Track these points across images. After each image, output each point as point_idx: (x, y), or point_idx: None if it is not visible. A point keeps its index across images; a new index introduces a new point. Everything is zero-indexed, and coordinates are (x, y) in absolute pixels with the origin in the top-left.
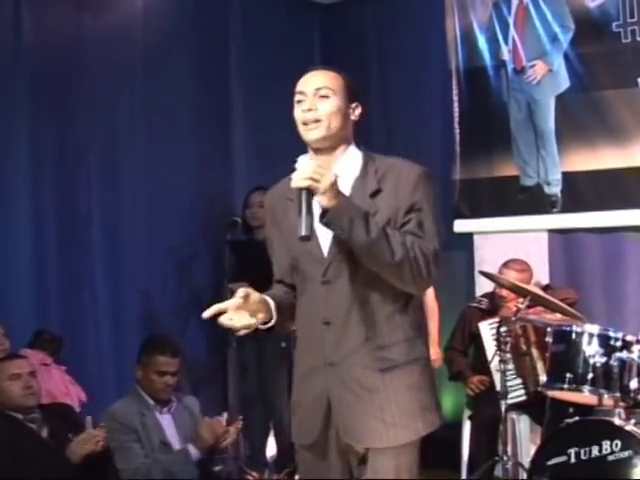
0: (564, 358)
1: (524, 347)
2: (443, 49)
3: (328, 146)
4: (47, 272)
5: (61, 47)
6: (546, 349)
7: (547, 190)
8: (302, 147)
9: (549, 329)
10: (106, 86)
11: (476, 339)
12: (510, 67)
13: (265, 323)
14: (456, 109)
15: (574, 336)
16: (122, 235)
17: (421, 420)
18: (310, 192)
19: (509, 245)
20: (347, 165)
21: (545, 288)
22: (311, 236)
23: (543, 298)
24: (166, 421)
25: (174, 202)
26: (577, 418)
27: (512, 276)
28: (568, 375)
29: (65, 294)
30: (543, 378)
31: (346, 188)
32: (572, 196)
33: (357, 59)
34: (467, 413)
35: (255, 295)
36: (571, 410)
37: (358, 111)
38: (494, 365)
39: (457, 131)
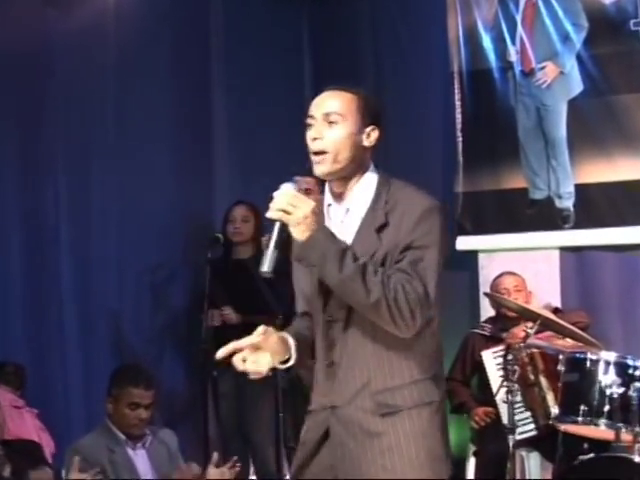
0: (578, 388)
1: (532, 377)
2: (444, 49)
3: (339, 177)
4: (9, 294)
5: (26, 46)
6: (557, 378)
7: (558, 204)
8: (290, 157)
9: (561, 356)
10: (75, 89)
11: (479, 368)
12: (518, 69)
13: (284, 362)
14: (458, 115)
15: (589, 364)
16: (92, 253)
17: (428, 469)
18: (284, 224)
19: (517, 264)
20: (359, 197)
21: (554, 312)
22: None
23: (554, 322)
24: (140, 457)
25: (149, 216)
26: (592, 455)
27: (509, 282)
28: (582, 407)
29: (28, 318)
30: (555, 410)
31: (357, 221)
32: (586, 210)
33: (350, 60)
34: (471, 449)
35: (274, 334)
36: (586, 446)
37: (375, 135)
38: (500, 397)
39: (459, 139)
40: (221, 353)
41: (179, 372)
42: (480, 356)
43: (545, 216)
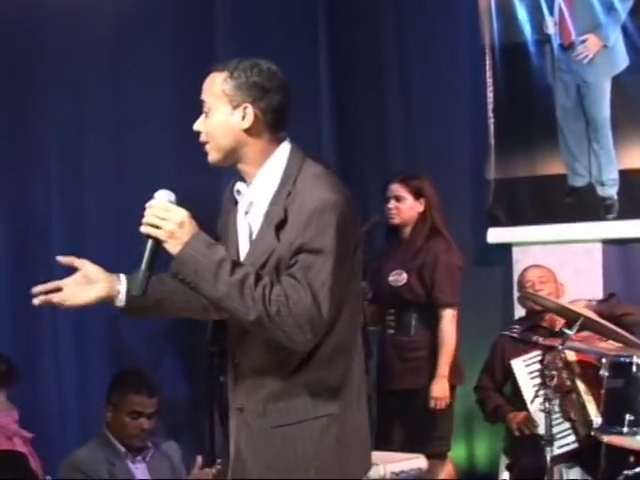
0: (623, 396)
1: (568, 382)
2: (474, 21)
3: (232, 165)
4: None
5: (15, 20)
6: (596, 384)
7: (601, 192)
8: (300, 139)
9: (604, 360)
10: (68, 68)
11: (511, 376)
12: (556, 43)
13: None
14: (490, 94)
15: (635, 369)
16: (87, 249)
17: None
18: (157, 240)
19: (555, 258)
20: (263, 187)
21: (609, 297)
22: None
23: (596, 322)
24: (140, 471)
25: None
26: (638, 469)
27: (532, 274)
28: (628, 417)
29: (18, 319)
30: (597, 420)
31: (259, 216)
32: (631, 199)
33: (370, 32)
34: (504, 461)
35: (93, 267)
36: (631, 459)
37: (250, 113)
38: (536, 406)
39: (491, 121)
40: (37, 300)
41: (182, 377)
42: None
43: (586, 205)
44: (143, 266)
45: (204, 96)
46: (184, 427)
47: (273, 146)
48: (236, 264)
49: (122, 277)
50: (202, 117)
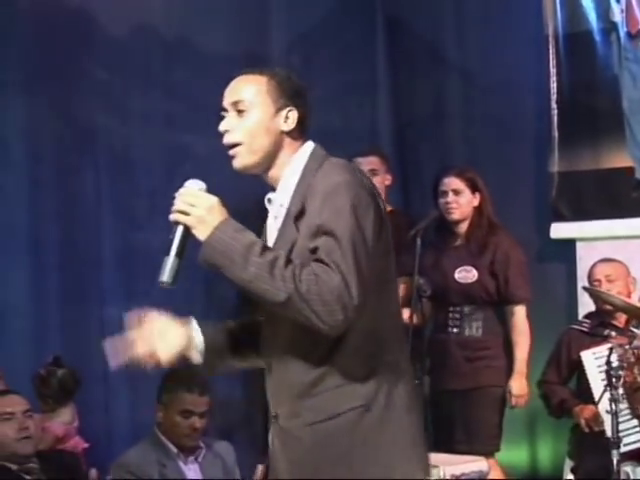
0: None
1: (639, 379)
2: (538, 9)
3: (262, 170)
4: (47, 290)
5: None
6: None
7: None
8: (354, 135)
9: None
10: (117, 57)
11: (578, 370)
12: (623, 31)
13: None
14: (554, 84)
15: None
16: (136, 243)
17: None
18: (187, 228)
19: (620, 254)
20: (287, 186)
21: None
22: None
23: None
24: (192, 472)
25: None
26: None
27: (600, 271)
28: None
29: (68, 318)
30: None
31: (282, 213)
32: None
33: (428, 19)
34: (569, 464)
35: (162, 322)
36: None
37: (294, 117)
38: (603, 405)
39: (555, 112)
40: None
41: (235, 376)
42: (579, 356)
43: None
44: (173, 253)
45: (239, 96)
46: (238, 427)
47: (301, 150)
48: (266, 247)
49: (201, 345)
50: (231, 117)
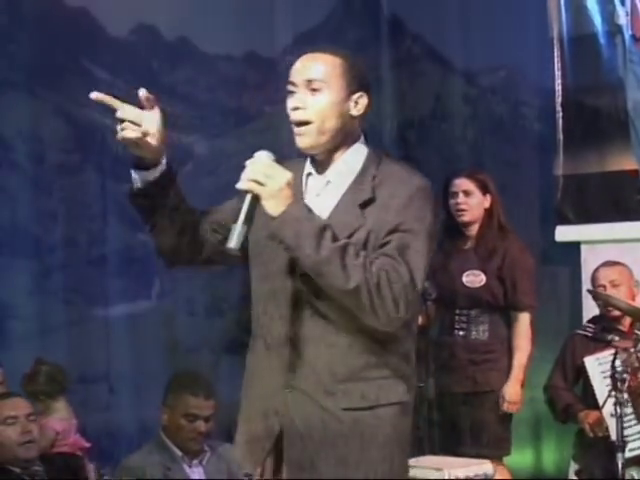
0: None
1: None
2: (542, 11)
3: (324, 151)
4: (49, 291)
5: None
6: None
7: None
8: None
9: None
10: (118, 57)
11: (583, 375)
12: (628, 34)
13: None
14: (558, 87)
15: None
16: (140, 247)
17: None
18: (255, 197)
19: (625, 258)
20: (344, 169)
21: None
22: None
23: None
24: (196, 475)
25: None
26: None
27: (605, 276)
28: None
29: (71, 319)
30: None
31: (336, 195)
32: None
33: (431, 20)
34: (574, 467)
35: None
36: None
37: (363, 103)
38: (607, 410)
39: (559, 114)
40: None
41: (239, 379)
42: (583, 361)
43: None
44: (240, 220)
45: (313, 74)
46: None
47: (359, 136)
48: (335, 234)
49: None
50: (303, 94)
